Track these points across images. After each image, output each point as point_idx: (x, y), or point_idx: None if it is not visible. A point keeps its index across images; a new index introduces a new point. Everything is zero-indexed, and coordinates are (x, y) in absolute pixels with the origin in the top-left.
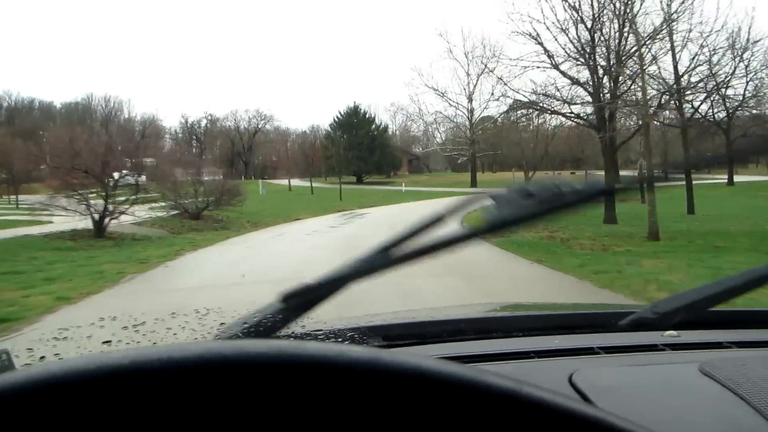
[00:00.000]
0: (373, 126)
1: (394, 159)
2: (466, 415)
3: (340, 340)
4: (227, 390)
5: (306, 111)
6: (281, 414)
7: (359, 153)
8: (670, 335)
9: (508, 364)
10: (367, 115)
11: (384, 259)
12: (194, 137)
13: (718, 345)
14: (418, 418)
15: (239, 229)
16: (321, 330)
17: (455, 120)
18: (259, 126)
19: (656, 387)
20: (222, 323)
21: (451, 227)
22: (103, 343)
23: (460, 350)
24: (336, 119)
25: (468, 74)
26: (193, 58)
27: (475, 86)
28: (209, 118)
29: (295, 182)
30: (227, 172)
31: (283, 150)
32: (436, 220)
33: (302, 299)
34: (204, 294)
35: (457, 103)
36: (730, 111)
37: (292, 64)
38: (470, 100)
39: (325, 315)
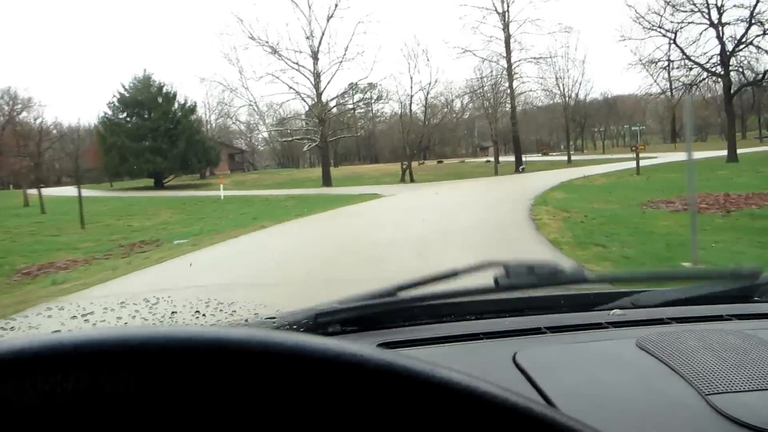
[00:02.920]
0: (176, 106)
1: (209, 152)
2: (380, 398)
3: (294, 327)
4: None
5: (94, 100)
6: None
7: (155, 144)
8: (615, 314)
9: (458, 346)
10: (164, 90)
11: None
12: None
13: (659, 321)
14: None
15: None
16: (274, 318)
17: (295, 89)
18: (13, 112)
19: (594, 363)
20: (173, 312)
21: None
22: (53, 332)
23: (413, 335)
24: (118, 96)
25: (309, 20)
26: None
27: (321, 38)
28: None
29: (72, 191)
30: None
31: (49, 148)
32: (451, 275)
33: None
34: None
35: (297, 63)
36: None
37: (63, 31)
38: (315, 57)
39: (297, 303)
